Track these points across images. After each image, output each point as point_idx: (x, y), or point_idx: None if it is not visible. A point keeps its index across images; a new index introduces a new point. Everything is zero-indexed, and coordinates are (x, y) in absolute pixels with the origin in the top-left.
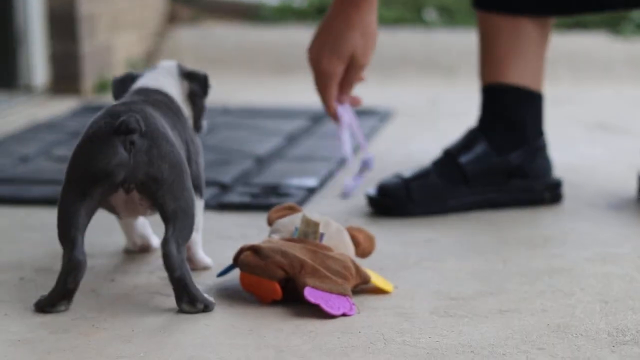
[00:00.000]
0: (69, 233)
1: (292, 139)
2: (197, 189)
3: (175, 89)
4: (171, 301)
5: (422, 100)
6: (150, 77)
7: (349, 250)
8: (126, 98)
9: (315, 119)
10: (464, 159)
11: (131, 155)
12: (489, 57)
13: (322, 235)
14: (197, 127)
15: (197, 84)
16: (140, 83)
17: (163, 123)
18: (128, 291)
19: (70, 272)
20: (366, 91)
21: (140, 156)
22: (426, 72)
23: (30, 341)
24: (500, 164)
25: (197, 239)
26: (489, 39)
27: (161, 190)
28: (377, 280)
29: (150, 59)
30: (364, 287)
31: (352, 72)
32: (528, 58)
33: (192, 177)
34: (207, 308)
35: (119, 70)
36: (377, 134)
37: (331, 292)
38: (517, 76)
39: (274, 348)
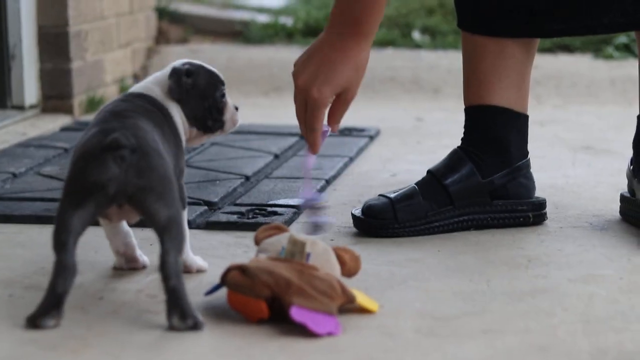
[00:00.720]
0: (61, 237)
1: (280, 158)
2: (182, 199)
3: (160, 92)
4: (160, 319)
5: (409, 119)
6: (142, 81)
7: (335, 269)
8: (113, 105)
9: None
10: (448, 180)
11: (122, 169)
12: (474, 77)
13: (308, 254)
14: (206, 126)
15: (173, 80)
16: (132, 88)
17: (154, 136)
18: (116, 309)
19: (60, 274)
20: (353, 110)
21: (131, 169)
22: (413, 91)
23: (18, 358)
24: (484, 185)
25: (187, 245)
26: (474, 60)
27: (151, 200)
28: (362, 299)
29: (139, 78)
30: (349, 307)
31: (341, 104)
32: (513, 79)
33: (178, 187)
34: (196, 326)
35: (108, 89)
36: (364, 153)
37: (317, 311)
38: (501, 97)
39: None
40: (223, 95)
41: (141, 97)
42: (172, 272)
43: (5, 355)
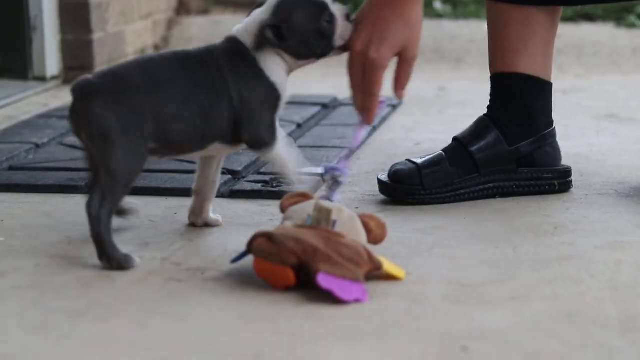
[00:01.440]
0: None
1: (303, 127)
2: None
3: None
4: (186, 287)
5: (431, 88)
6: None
7: (361, 237)
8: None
9: (326, 108)
10: (475, 147)
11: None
12: (499, 45)
13: (334, 222)
14: (315, 55)
15: (257, 41)
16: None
17: (127, 84)
18: (142, 277)
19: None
20: None
21: (79, 117)
22: (435, 61)
23: (46, 326)
24: (510, 153)
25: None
26: (499, 28)
27: (94, 151)
28: (389, 267)
29: (160, 48)
30: (376, 274)
31: (404, 65)
32: (538, 46)
33: (250, 132)
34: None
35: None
36: (387, 122)
37: (344, 278)
38: (527, 65)
39: (288, 333)
40: (329, 20)
41: (231, 41)
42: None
43: (32, 325)
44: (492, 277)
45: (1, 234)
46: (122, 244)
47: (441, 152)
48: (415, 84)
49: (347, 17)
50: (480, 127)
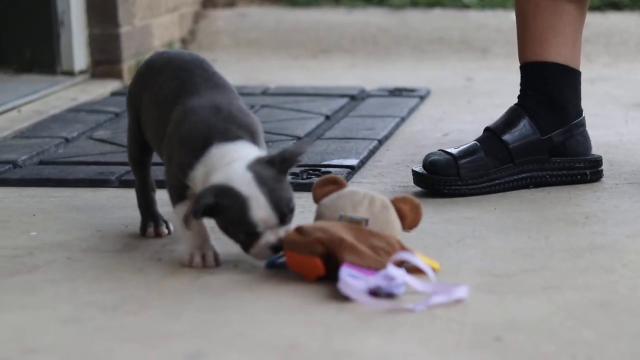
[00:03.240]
0: None
1: (331, 119)
2: None
3: None
4: (219, 279)
5: (458, 79)
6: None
7: (395, 229)
8: None
9: (354, 99)
10: (509, 137)
11: None
12: (528, 35)
13: (366, 221)
14: None
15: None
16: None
17: None
18: (175, 270)
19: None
20: (402, 70)
21: None
22: (461, 51)
23: (79, 320)
24: (543, 142)
25: None
26: (528, 18)
27: None
28: (423, 259)
29: (187, 42)
30: (408, 266)
31: None
32: (567, 35)
33: None
34: None
35: None
36: (415, 113)
37: (369, 268)
38: (557, 54)
39: (322, 325)
40: (249, 234)
41: None
42: None
43: (66, 317)
44: (525, 267)
45: (33, 228)
46: (153, 237)
47: (475, 142)
48: (442, 74)
49: (275, 249)
50: (512, 117)
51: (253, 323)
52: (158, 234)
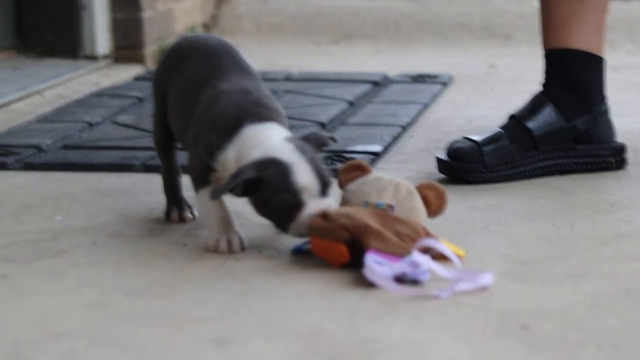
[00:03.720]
0: None
1: (354, 105)
2: None
3: None
4: (244, 265)
5: (481, 65)
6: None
7: (421, 215)
8: None
9: (377, 86)
10: (533, 124)
11: None
12: (552, 21)
13: (392, 207)
14: None
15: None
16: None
17: None
18: (200, 255)
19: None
20: (424, 57)
21: None
22: (483, 37)
23: (105, 304)
24: (567, 130)
25: None
26: (551, 5)
27: None
28: (448, 246)
29: (209, 27)
30: (433, 253)
31: None
32: (591, 22)
33: None
34: None
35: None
36: (438, 99)
37: (394, 254)
38: (581, 40)
39: (347, 311)
40: (292, 206)
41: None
42: None
43: (92, 302)
44: (550, 255)
45: (58, 213)
46: (179, 222)
47: (499, 129)
48: (465, 61)
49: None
50: (536, 104)
51: (278, 309)
52: (182, 219)
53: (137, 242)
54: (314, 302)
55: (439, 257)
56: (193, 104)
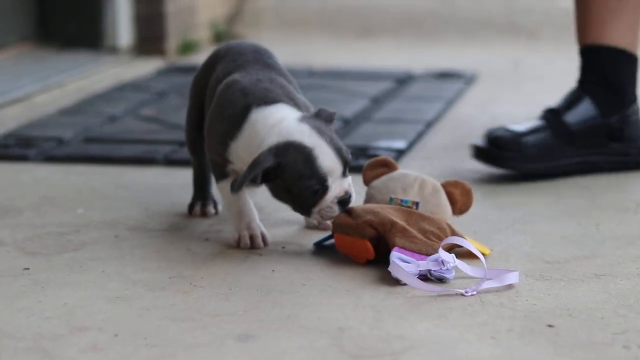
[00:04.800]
0: None
1: (378, 101)
2: None
3: None
4: (267, 260)
5: (505, 63)
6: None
7: (446, 212)
8: None
9: (400, 82)
10: (571, 118)
11: None
12: (589, 18)
13: (417, 204)
14: None
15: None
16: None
17: None
18: (223, 250)
19: None
20: (448, 54)
21: None
22: (508, 34)
23: (128, 298)
24: (603, 127)
25: None
26: (590, 1)
27: None
28: (474, 244)
29: (232, 21)
30: (458, 250)
31: None
32: (627, 19)
33: None
34: None
35: (201, 32)
36: (462, 97)
37: (420, 252)
38: (618, 38)
39: (372, 308)
40: (318, 191)
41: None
42: None
43: (115, 296)
44: (576, 254)
45: (80, 206)
46: (201, 217)
47: (539, 121)
48: (489, 58)
49: (343, 203)
50: (575, 99)
51: (302, 305)
52: (204, 213)
53: (159, 236)
54: (339, 298)
55: (464, 254)
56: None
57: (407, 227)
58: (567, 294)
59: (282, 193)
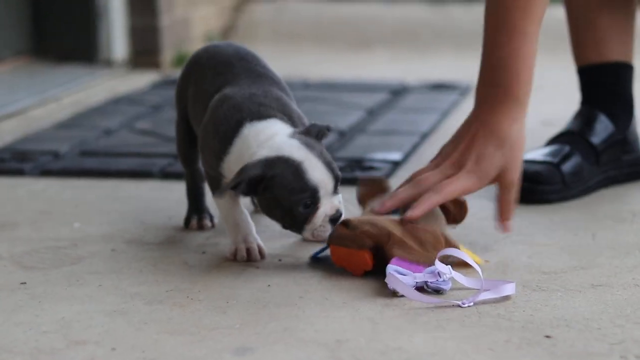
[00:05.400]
0: None
1: (373, 113)
2: None
3: None
4: (264, 273)
5: None
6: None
7: (440, 223)
8: None
9: (395, 94)
10: (595, 139)
11: None
12: (590, 35)
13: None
14: None
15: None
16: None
17: None
18: (220, 263)
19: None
20: (443, 65)
21: None
22: None
23: (125, 312)
24: (620, 142)
25: None
26: (593, 18)
27: None
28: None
29: (227, 34)
30: (452, 261)
31: (504, 192)
32: (629, 34)
33: None
34: None
35: (196, 45)
36: (457, 108)
37: (418, 263)
38: (621, 52)
39: (369, 320)
40: (308, 206)
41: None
42: None
43: (112, 310)
44: (573, 265)
45: (76, 220)
46: (197, 230)
47: (566, 145)
48: None
49: (333, 221)
50: (590, 118)
51: (299, 318)
52: (201, 227)
53: (156, 250)
54: (336, 311)
55: (460, 264)
56: (205, 113)
57: (404, 238)
58: (564, 305)
59: (273, 209)
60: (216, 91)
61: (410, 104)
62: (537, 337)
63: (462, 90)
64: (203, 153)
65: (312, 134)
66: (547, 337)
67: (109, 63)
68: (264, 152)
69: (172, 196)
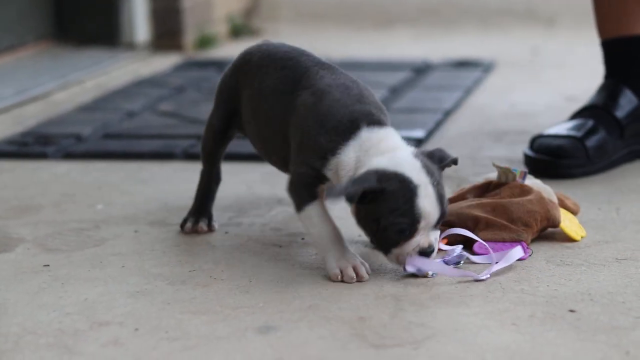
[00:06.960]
0: None
1: (396, 91)
2: None
3: None
4: (286, 252)
5: (523, 50)
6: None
7: (552, 194)
8: None
9: (419, 71)
10: (619, 113)
11: None
12: (613, 8)
13: (525, 173)
14: None
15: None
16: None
17: None
18: (243, 243)
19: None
20: (466, 42)
21: None
22: (526, 22)
23: (149, 292)
24: None
25: None
26: None
27: None
28: (567, 226)
29: (249, 15)
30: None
31: None
32: None
33: None
34: None
35: (218, 27)
36: (480, 85)
37: (504, 241)
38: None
39: (393, 297)
40: (403, 231)
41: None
42: None
43: (135, 291)
44: (597, 239)
45: (99, 201)
46: (220, 210)
47: (590, 119)
48: (507, 45)
49: (422, 254)
50: (615, 92)
51: (323, 296)
52: (195, 231)
53: (178, 231)
54: (359, 288)
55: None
56: (285, 112)
57: (491, 219)
58: (588, 279)
59: (368, 221)
60: (285, 85)
61: (434, 81)
62: (561, 311)
63: (486, 67)
64: (301, 153)
65: (435, 159)
66: (571, 311)
67: (131, 46)
68: (383, 163)
69: (195, 177)
